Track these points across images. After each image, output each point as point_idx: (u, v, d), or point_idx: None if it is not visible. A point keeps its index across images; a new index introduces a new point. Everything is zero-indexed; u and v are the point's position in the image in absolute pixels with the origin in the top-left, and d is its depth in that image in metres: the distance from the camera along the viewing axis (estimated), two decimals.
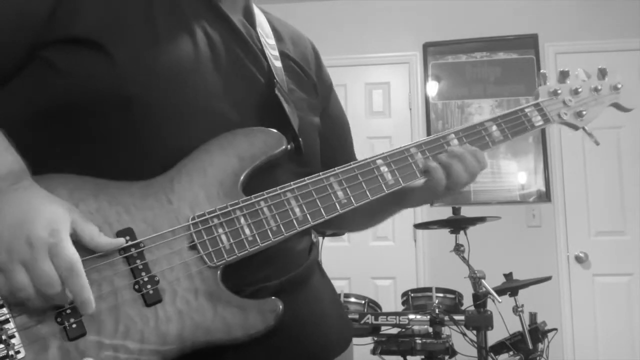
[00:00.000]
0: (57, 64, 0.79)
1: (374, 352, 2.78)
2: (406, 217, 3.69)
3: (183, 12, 0.88)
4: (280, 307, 0.79)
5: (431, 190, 0.98)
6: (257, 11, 1.01)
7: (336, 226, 1.21)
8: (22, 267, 0.68)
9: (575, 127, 1.13)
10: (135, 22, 0.83)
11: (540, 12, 3.99)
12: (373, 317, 2.69)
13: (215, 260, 0.79)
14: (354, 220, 1.13)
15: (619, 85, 1.14)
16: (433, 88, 4.05)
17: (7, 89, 0.82)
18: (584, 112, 1.11)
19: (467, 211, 3.04)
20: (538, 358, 2.63)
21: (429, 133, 3.98)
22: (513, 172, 3.90)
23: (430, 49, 4.07)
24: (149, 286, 0.75)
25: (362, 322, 2.67)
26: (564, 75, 1.13)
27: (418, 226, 3.16)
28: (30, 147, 0.78)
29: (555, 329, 2.82)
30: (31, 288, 0.68)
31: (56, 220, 0.71)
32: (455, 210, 2.94)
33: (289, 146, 0.88)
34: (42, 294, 0.68)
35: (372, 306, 3.02)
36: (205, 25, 0.89)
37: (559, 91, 1.11)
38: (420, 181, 0.97)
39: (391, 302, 3.68)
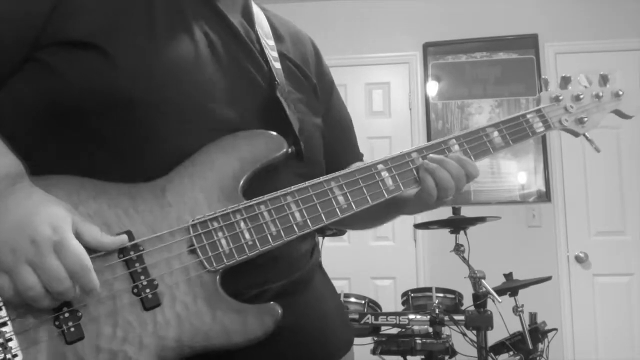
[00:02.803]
0: (56, 66, 0.79)
1: (374, 352, 2.78)
2: (406, 217, 3.66)
3: (183, 14, 0.88)
4: (280, 311, 0.78)
5: (423, 200, 0.96)
6: (256, 10, 1.01)
7: (337, 224, 1.20)
8: (29, 266, 0.68)
9: (576, 134, 1.12)
10: (135, 23, 0.83)
11: (540, 12, 3.98)
12: (373, 317, 2.68)
13: (214, 265, 0.78)
14: (355, 221, 1.13)
15: (620, 92, 1.13)
16: (433, 88, 4.05)
17: (6, 91, 0.81)
18: (585, 119, 1.10)
19: (467, 211, 3.04)
20: (538, 358, 2.63)
21: (429, 133, 3.98)
22: (513, 172, 3.89)
23: (430, 49, 4.07)
24: (147, 290, 0.75)
25: (362, 322, 2.67)
26: (565, 81, 1.12)
27: (418, 226, 3.16)
28: (31, 149, 0.78)
29: (555, 329, 2.82)
30: (40, 287, 0.68)
31: (57, 218, 0.71)
32: (455, 210, 2.94)
33: (290, 149, 0.87)
34: (52, 290, 0.68)
35: (372, 306, 3.01)
36: (205, 26, 0.89)
37: (561, 97, 1.10)
38: (413, 191, 0.96)
39: (391, 302, 3.68)
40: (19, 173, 0.75)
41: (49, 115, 0.80)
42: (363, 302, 2.99)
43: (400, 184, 0.93)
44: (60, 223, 0.70)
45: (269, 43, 0.96)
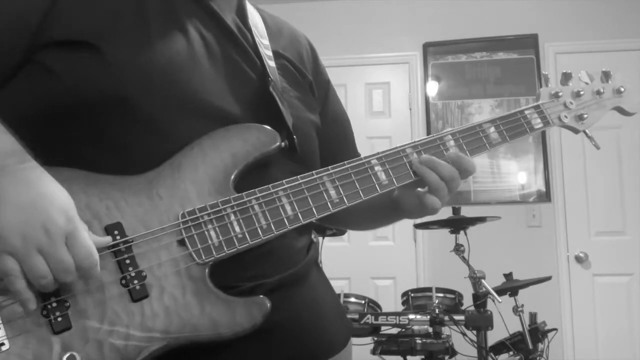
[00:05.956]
0: (52, 67, 0.79)
1: (374, 352, 2.78)
2: None
3: (176, 12, 0.88)
4: (268, 305, 0.78)
5: (423, 205, 0.94)
6: (251, 9, 1.01)
7: (342, 223, 1.21)
8: (39, 253, 0.68)
9: (575, 131, 1.10)
10: (128, 22, 0.83)
11: (540, 12, 3.98)
12: (373, 317, 2.68)
13: (203, 257, 0.78)
14: (354, 220, 1.13)
15: (622, 89, 1.12)
16: (433, 88, 4.05)
17: (5, 94, 0.82)
18: (585, 116, 1.09)
19: (467, 211, 3.04)
20: (538, 358, 2.63)
21: (428, 133, 3.98)
22: (513, 172, 3.89)
23: (430, 49, 4.07)
24: (135, 281, 0.75)
25: (362, 322, 2.67)
26: (566, 77, 1.10)
27: (418, 226, 3.16)
28: (30, 149, 0.78)
29: (555, 329, 2.82)
30: (51, 275, 0.68)
31: (69, 208, 0.71)
32: (455, 210, 2.94)
33: (282, 143, 0.87)
34: (58, 280, 0.69)
35: (372, 306, 3.02)
36: (199, 24, 0.90)
37: (560, 93, 1.09)
38: (413, 198, 0.95)
39: (391, 302, 3.68)
40: (24, 151, 0.75)
41: (47, 115, 0.80)
42: (363, 302, 2.99)
43: (394, 179, 0.92)
44: (72, 213, 0.71)
45: (263, 42, 0.97)
